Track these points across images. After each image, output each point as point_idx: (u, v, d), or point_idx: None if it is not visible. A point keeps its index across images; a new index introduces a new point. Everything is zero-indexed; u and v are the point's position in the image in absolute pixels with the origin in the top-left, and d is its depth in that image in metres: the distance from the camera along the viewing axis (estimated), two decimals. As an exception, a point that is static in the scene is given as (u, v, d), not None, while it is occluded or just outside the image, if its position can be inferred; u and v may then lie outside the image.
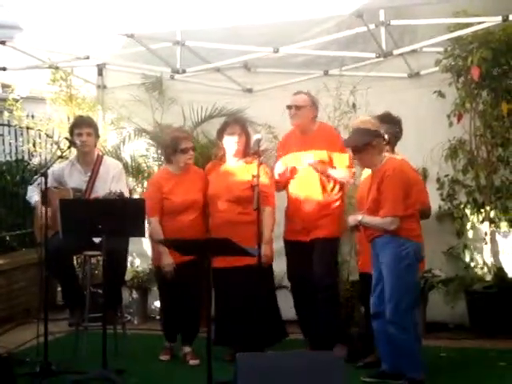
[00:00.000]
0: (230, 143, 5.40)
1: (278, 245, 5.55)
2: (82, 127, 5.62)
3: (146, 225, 5.24)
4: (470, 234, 6.32)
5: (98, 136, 5.77)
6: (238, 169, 5.39)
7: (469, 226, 6.30)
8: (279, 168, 5.45)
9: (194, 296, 5.36)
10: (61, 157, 5.56)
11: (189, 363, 5.31)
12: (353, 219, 4.73)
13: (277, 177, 5.46)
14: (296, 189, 5.42)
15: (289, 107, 5.46)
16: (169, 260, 5.27)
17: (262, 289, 5.02)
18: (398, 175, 4.50)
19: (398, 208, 4.45)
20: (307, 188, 5.37)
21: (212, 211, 5.42)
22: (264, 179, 5.26)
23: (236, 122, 5.54)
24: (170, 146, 5.46)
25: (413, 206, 4.56)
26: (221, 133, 5.48)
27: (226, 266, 5.15)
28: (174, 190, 5.41)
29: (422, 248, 4.64)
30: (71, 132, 5.67)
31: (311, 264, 5.30)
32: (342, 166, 5.36)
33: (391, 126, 4.95)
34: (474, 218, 6.25)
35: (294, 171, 5.41)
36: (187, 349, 5.46)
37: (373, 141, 4.57)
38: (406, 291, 4.48)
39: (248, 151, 5.40)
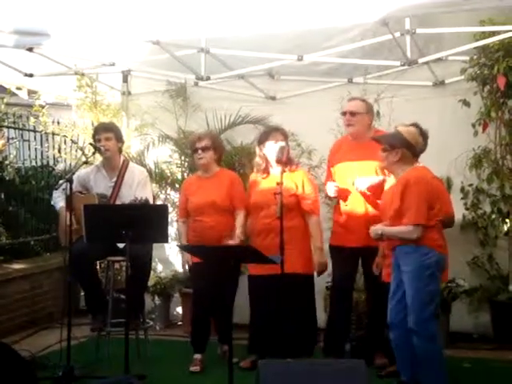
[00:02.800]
0: (274, 151, 5.34)
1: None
2: (100, 133, 5.68)
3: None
4: (495, 243, 6.26)
5: (120, 141, 5.79)
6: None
7: (493, 235, 6.24)
8: (331, 190, 5.38)
9: (228, 293, 5.38)
10: (85, 162, 5.63)
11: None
12: (375, 232, 4.66)
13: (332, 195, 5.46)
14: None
15: (343, 113, 5.42)
16: (187, 256, 5.55)
17: (299, 299, 5.09)
18: (422, 184, 4.46)
19: (421, 216, 4.41)
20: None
21: (254, 218, 5.43)
22: (308, 187, 5.31)
23: (276, 129, 5.53)
24: (190, 150, 5.70)
25: (436, 216, 4.51)
26: (263, 141, 5.45)
27: (262, 274, 5.17)
28: (195, 192, 5.55)
29: (445, 259, 4.60)
30: (94, 139, 5.74)
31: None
32: None
33: None
34: (498, 228, 6.19)
35: (346, 192, 5.32)
36: (225, 347, 5.49)
37: (400, 148, 4.55)
38: (429, 301, 4.44)
39: (286, 158, 5.30)
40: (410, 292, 4.46)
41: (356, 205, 5.31)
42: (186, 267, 5.62)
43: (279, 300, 4.94)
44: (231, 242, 5.31)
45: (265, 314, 5.29)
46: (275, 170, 5.38)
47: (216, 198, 5.45)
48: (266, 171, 5.46)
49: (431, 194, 4.50)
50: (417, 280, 4.43)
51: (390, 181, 5.02)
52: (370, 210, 5.25)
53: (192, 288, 5.78)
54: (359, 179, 5.24)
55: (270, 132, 5.48)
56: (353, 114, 5.35)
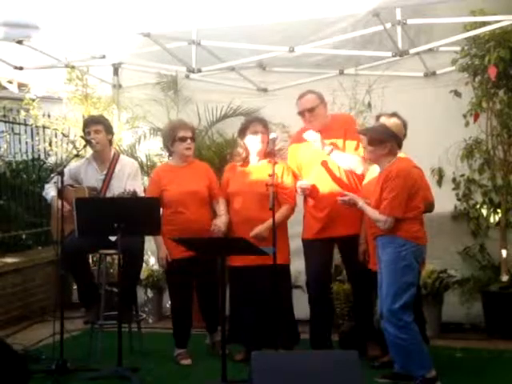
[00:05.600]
0: (254, 142, 5.38)
1: (294, 244, 5.52)
2: (89, 125, 5.65)
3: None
4: (486, 234, 6.28)
5: (110, 133, 5.75)
6: (261, 167, 5.34)
7: (485, 226, 6.26)
8: (301, 185, 5.28)
9: (210, 282, 5.36)
10: (77, 155, 5.62)
11: (219, 353, 4.95)
12: (352, 198, 4.71)
13: (298, 190, 5.32)
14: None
15: (301, 113, 5.29)
16: (163, 254, 5.37)
17: (277, 289, 5.02)
18: (402, 177, 4.49)
19: (396, 209, 4.45)
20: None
21: (232, 209, 5.40)
22: (286, 178, 5.29)
23: (258, 120, 5.51)
24: (168, 135, 5.51)
25: (415, 208, 4.54)
26: (243, 132, 5.44)
27: (243, 265, 5.17)
28: (172, 182, 5.43)
29: (423, 250, 4.62)
30: (83, 132, 5.71)
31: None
32: (350, 150, 5.23)
33: None
34: (490, 218, 6.21)
35: (314, 189, 5.25)
36: (216, 337, 5.53)
37: (388, 141, 4.59)
38: (402, 291, 4.47)
39: (275, 149, 5.35)
40: (385, 281, 4.52)
41: (329, 196, 5.21)
42: (164, 262, 5.45)
43: (262, 291, 4.98)
44: (219, 224, 5.30)
45: (245, 305, 5.29)
46: (254, 160, 5.42)
47: (197, 188, 5.40)
48: (246, 161, 5.45)
49: (412, 187, 4.53)
50: (392, 270, 4.48)
51: (372, 171, 5.03)
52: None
53: (168, 284, 5.69)
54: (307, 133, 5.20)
55: (250, 122, 5.46)
56: (311, 110, 5.24)
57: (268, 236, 5.07)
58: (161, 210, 5.34)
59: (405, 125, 4.93)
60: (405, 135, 4.90)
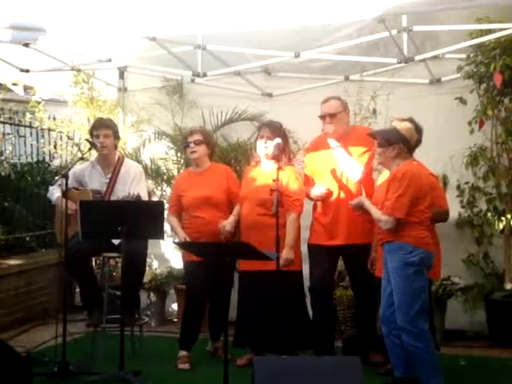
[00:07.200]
0: (259, 146, 5.42)
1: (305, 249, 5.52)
2: (99, 129, 5.66)
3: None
4: (490, 241, 6.27)
5: (117, 138, 5.78)
6: (268, 172, 5.32)
7: (489, 233, 6.25)
8: (319, 190, 5.29)
9: (223, 289, 5.33)
10: (81, 158, 5.64)
11: (222, 357, 4.90)
12: (358, 202, 4.71)
13: (312, 195, 5.34)
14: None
15: (322, 117, 5.31)
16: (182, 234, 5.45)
17: (287, 295, 5.05)
18: (408, 179, 4.42)
19: (398, 210, 4.38)
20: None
21: (241, 214, 5.44)
22: (292, 184, 5.26)
23: (266, 125, 5.52)
24: (182, 144, 5.73)
25: (421, 214, 4.47)
26: (256, 137, 5.54)
27: (252, 270, 5.17)
28: (189, 187, 5.53)
29: (432, 257, 4.56)
30: (91, 134, 5.72)
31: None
32: (355, 153, 5.22)
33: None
34: (494, 226, 6.19)
35: (330, 193, 5.27)
36: (218, 343, 5.57)
37: (397, 144, 4.56)
38: (415, 297, 4.42)
39: (281, 155, 5.26)
40: (396, 289, 4.46)
41: (336, 203, 5.24)
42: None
43: (272, 296, 4.92)
44: (225, 223, 5.36)
45: (254, 310, 5.27)
46: (265, 164, 5.44)
47: (211, 193, 5.45)
48: (259, 165, 5.51)
49: (420, 190, 4.46)
50: (402, 277, 4.42)
51: (383, 177, 5.02)
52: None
53: (186, 285, 5.75)
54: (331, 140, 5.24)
55: (259, 128, 5.55)
56: (332, 115, 5.25)
57: (292, 256, 5.18)
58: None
59: (419, 130, 4.90)
60: (420, 141, 4.89)
